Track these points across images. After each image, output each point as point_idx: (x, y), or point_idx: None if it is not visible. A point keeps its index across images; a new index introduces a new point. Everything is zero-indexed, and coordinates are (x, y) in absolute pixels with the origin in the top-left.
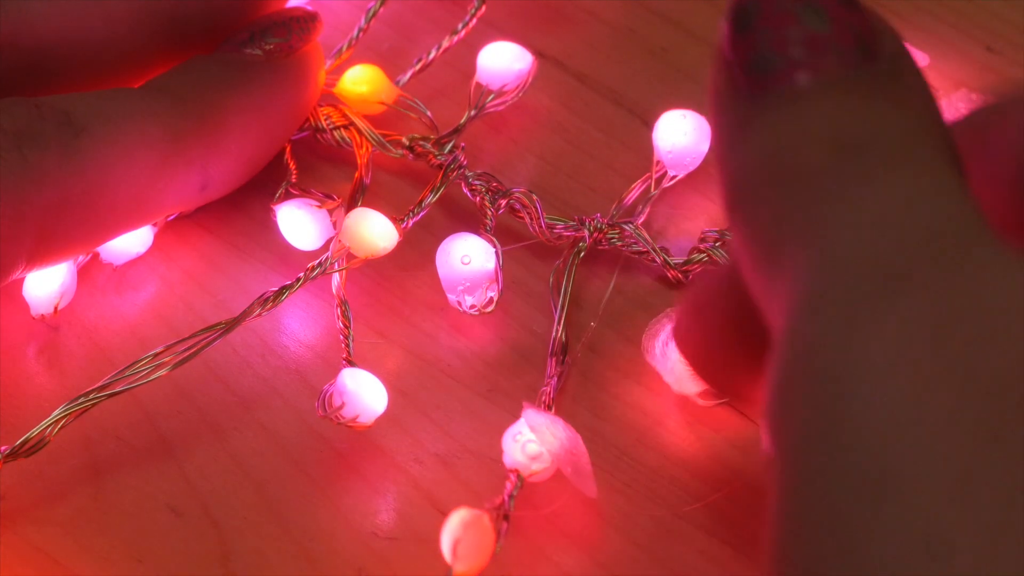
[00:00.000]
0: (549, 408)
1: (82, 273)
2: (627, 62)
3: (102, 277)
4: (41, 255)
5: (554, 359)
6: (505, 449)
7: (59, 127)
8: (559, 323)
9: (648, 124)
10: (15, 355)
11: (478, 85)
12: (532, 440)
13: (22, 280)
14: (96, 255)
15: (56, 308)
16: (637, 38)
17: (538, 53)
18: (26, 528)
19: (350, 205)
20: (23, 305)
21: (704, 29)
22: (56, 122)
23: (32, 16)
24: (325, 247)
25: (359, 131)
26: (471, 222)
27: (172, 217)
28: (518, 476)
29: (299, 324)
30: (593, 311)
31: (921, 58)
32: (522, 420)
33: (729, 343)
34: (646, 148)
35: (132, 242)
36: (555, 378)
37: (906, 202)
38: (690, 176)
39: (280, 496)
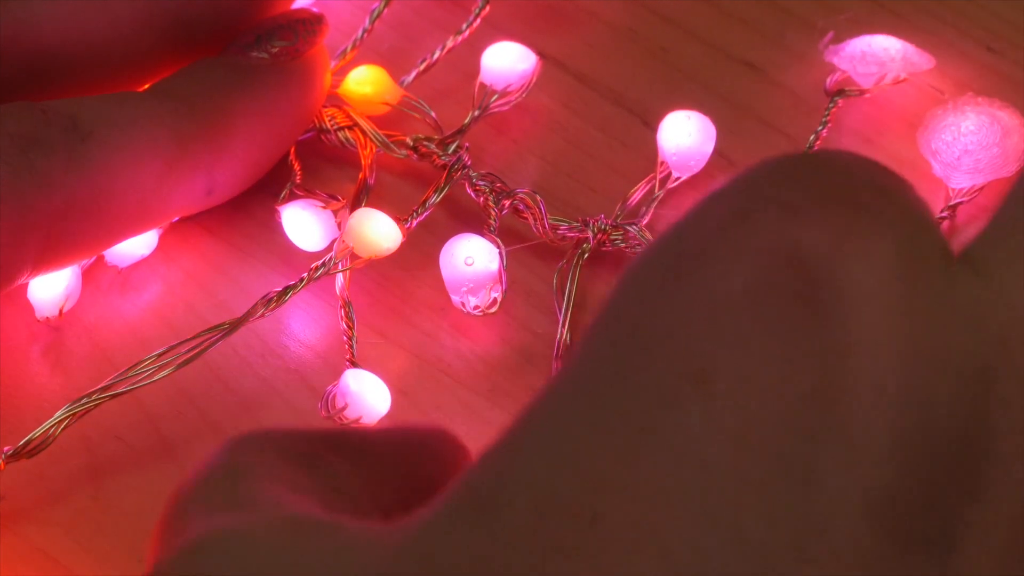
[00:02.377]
0: None
1: (86, 275)
2: (627, 62)
3: (106, 279)
4: (46, 260)
5: (559, 363)
6: None
7: (65, 132)
8: (564, 326)
9: (648, 124)
10: (18, 357)
11: (482, 86)
12: None
13: (27, 282)
14: (101, 257)
15: (61, 311)
16: (637, 38)
17: (538, 53)
18: (27, 528)
19: (354, 206)
20: (27, 307)
21: (704, 29)
22: (62, 127)
23: (37, 18)
24: (329, 248)
25: (363, 132)
26: (474, 223)
27: (175, 220)
28: None
29: (300, 325)
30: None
31: (927, 61)
32: None
33: None
34: (646, 148)
35: (137, 244)
36: None
37: None
38: (694, 178)
39: None
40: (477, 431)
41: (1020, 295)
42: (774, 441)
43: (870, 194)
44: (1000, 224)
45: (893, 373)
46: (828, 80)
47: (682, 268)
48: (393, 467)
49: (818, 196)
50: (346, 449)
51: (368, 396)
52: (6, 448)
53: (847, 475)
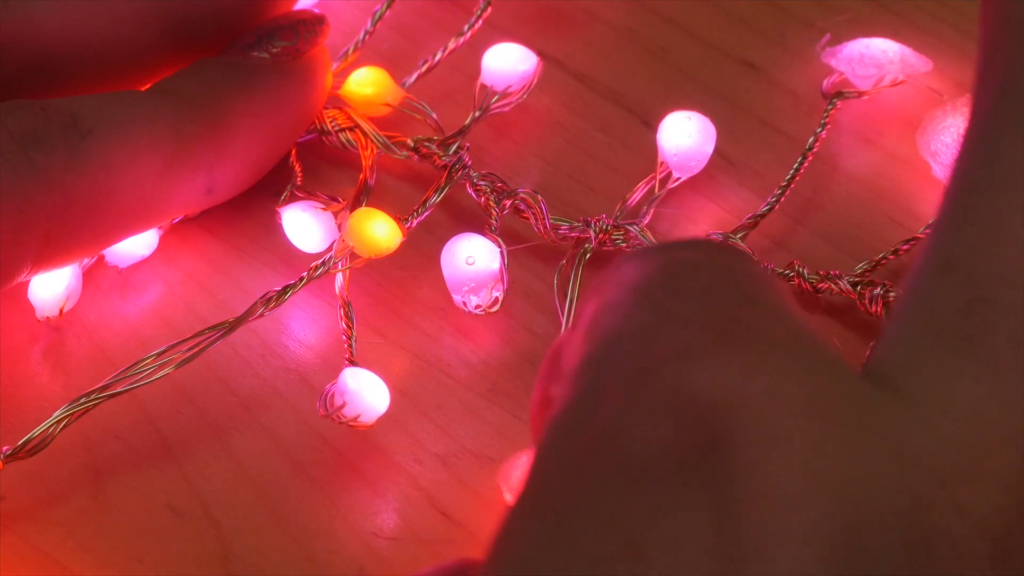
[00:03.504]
0: None
1: (86, 275)
2: (627, 62)
3: (106, 280)
4: (46, 258)
5: None
6: None
7: (65, 129)
8: (566, 326)
9: (648, 124)
10: (18, 357)
11: (483, 87)
12: None
13: (27, 282)
14: (101, 258)
15: (61, 311)
16: (637, 38)
17: (539, 54)
18: (26, 528)
19: (354, 207)
20: (27, 306)
21: (704, 29)
22: (62, 124)
23: (38, 16)
24: (329, 248)
25: (364, 133)
26: (475, 225)
27: (176, 220)
28: None
29: (300, 325)
30: None
31: (924, 63)
32: None
33: None
34: (646, 148)
35: (137, 245)
36: None
37: None
38: (694, 178)
39: (280, 496)
40: (477, 431)
41: (944, 419)
42: None
43: (759, 315)
44: (905, 334)
45: (821, 520)
46: (825, 82)
47: (597, 437)
48: None
49: (711, 331)
50: None
51: (366, 394)
52: (4, 448)
53: None
